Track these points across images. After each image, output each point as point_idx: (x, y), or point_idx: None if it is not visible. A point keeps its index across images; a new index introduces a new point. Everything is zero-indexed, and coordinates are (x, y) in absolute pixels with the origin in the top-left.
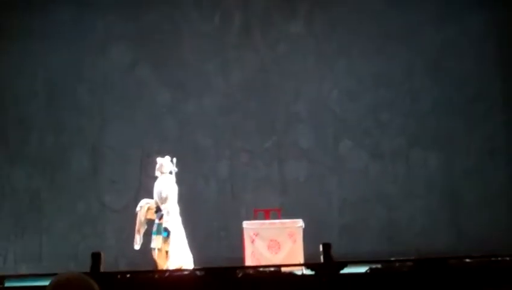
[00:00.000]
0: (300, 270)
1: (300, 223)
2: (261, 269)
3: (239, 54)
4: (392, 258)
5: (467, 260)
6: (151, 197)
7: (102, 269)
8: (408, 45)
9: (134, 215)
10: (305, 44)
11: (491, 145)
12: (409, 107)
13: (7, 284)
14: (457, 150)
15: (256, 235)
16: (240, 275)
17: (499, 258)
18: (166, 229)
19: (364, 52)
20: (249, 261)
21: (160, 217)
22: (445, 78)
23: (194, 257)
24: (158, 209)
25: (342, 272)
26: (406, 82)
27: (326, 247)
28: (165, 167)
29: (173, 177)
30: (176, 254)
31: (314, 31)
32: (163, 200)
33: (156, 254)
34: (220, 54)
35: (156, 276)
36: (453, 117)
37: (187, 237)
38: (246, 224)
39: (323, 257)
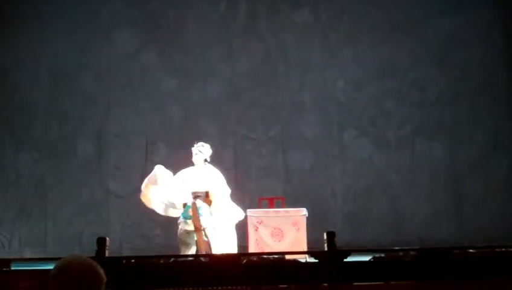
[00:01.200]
0: (304, 258)
1: (304, 211)
2: (264, 256)
3: (244, 42)
4: (396, 248)
5: (471, 251)
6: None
7: (107, 254)
8: (414, 35)
9: (139, 201)
10: (310, 33)
11: (495, 136)
12: (413, 97)
13: (13, 268)
14: (462, 140)
15: (260, 223)
16: (244, 261)
17: (503, 249)
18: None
19: (370, 42)
20: (252, 249)
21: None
22: (450, 68)
23: None
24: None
25: (345, 260)
26: (411, 72)
27: (330, 235)
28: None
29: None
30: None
31: (320, 20)
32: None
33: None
34: (225, 42)
35: (161, 261)
36: (458, 108)
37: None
38: (249, 212)
39: (327, 245)
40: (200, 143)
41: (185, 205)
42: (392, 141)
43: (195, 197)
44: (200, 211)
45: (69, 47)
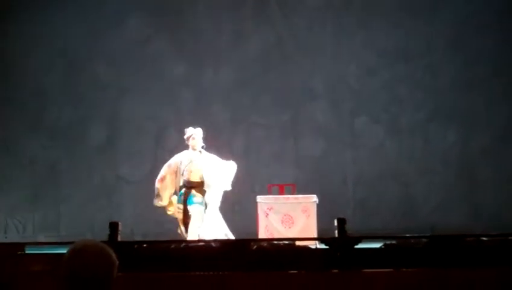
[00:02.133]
0: (314, 245)
1: (314, 198)
2: (275, 242)
3: (255, 27)
4: (408, 235)
5: (483, 238)
6: None
7: (119, 239)
8: (428, 19)
9: (151, 187)
10: (322, 17)
11: (509, 122)
12: (427, 82)
13: (27, 251)
14: (476, 126)
15: (270, 210)
16: (255, 247)
17: None
18: None
19: (383, 26)
20: (262, 235)
21: None
22: (465, 53)
23: None
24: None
25: (356, 247)
26: (425, 57)
27: (341, 222)
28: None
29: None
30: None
31: (332, 4)
32: None
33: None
34: (235, 27)
35: (172, 246)
36: (472, 93)
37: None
38: (260, 198)
39: (338, 232)
40: (193, 128)
41: (181, 189)
42: (405, 128)
43: (190, 187)
44: (193, 199)
45: (81, 33)
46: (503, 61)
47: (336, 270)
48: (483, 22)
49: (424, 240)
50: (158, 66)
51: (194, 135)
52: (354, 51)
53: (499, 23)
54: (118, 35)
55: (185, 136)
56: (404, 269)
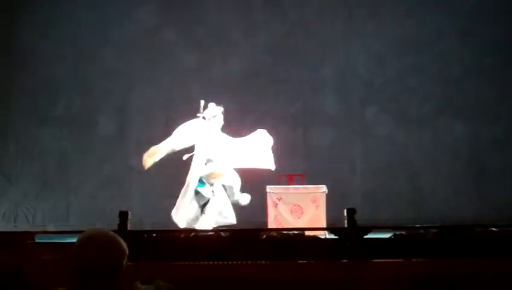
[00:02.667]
0: (323, 235)
1: (323, 188)
2: (284, 231)
3: (265, 16)
4: (417, 225)
5: (493, 229)
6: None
7: (129, 228)
8: (439, 9)
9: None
10: (333, 6)
11: None
12: (437, 73)
13: (37, 240)
14: (486, 117)
15: (279, 200)
16: (264, 237)
17: None
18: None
19: (394, 16)
20: (271, 225)
21: None
22: (476, 43)
23: None
24: None
25: (365, 237)
26: (436, 47)
27: (351, 212)
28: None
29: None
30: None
31: None
32: None
33: None
34: (245, 17)
35: (182, 236)
36: (483, 84)
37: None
38: (269, 188)
39: (348, 222)
40: (215, 105)
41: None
42: (414, 118)
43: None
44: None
45: (91, 23)
46: None
47: (345, 261)
48: (496, 10)
49: (434, 230)
50: (168, 55)
51: (219, 114)
52: (364, 40)
53: (511, 13)
54: (128, 25)
55: (208, 114)
56: (413, 260)
